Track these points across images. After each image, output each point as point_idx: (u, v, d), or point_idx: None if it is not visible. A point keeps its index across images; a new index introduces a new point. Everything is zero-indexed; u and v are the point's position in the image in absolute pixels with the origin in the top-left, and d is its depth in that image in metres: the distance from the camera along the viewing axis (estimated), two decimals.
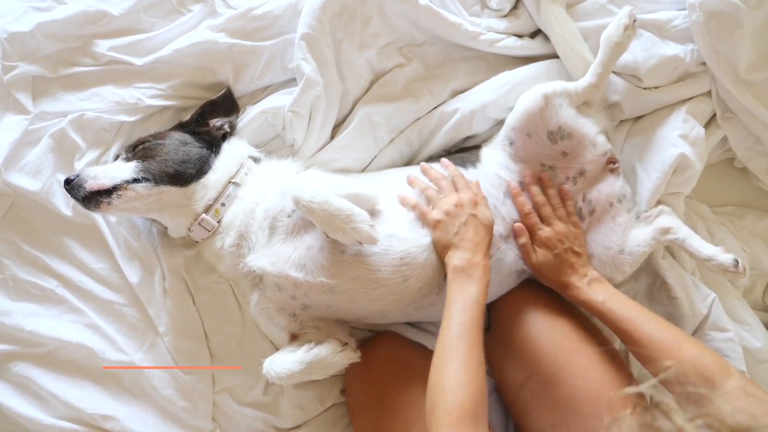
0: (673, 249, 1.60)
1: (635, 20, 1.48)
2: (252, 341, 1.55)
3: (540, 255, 1.43)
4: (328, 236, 1.28)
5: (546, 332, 1.40)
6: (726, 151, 1.64)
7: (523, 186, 1.49)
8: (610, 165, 1.49)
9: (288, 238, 1.32)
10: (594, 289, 1.37)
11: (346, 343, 1.34)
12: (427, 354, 1.51)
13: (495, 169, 1.49)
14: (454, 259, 1.27)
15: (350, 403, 1.51)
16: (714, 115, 1.58)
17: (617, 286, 1.56)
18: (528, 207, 1.45)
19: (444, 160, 1.47)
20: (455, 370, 1.10)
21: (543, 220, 1.45)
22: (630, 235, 1.48)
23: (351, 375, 1.46)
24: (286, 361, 1.29)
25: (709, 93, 1.56)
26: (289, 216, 1.33)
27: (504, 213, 1.45)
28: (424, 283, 1.35)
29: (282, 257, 1.31)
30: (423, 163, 1.47)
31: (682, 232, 1.47)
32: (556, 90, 1.44)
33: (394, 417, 1.35)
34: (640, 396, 0.88)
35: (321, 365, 1.28)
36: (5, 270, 1.50)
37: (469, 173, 1.48)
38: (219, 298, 1.55)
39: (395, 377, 1.41)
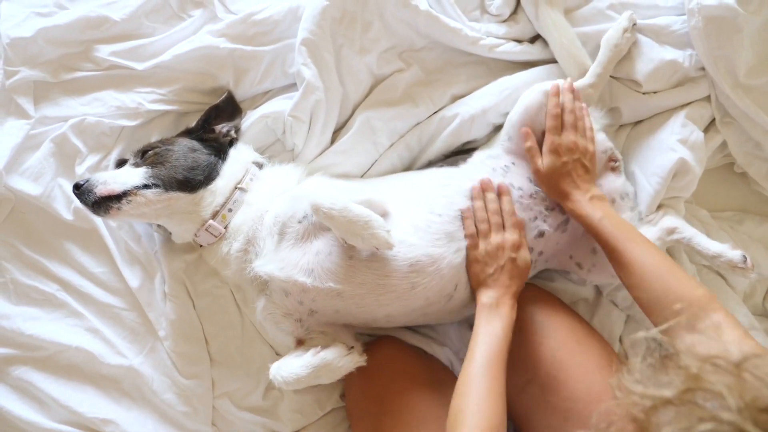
0: (672, 254, 1.60)
1: (635, 24, 1.50)
2: (252, 346, 1.55)
3: (546, 160, 1.42)
4: (337, 242, 1.29)
5: (545, 336, 1.41)
6: (725, 156, 1.64)
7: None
8: (611, 163, 1.50)
9: (297, 243, 1.33)
10: (594, 205, 1.36)
11: (352, 347, 1.34)
12: (426, 358, 1.53)
13: (481, 159, 1.50)
14: (484, 296, 1.32)
15: (349, 408, 1.50)
16: (713, 120, 1.58)
17: (618, 289, 1.58)
18: (558, 111, 1.43)
19: (502, 186, 1.43)
20: (477, 398, 1.14)
21: (563, 126, 1.43)
22: None
23: (350, 379, 1.43)
24: (292, 366, 1.28)
25: (708, 98, 1.56)
26: (299, 222, 1.33)
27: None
28: (432, 292, 1.36)
29: (290, 262, 1.32)
30: (484, 181, 1.43)
31: (688, 231, 1.49)
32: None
33: (394, 421, 1.35)
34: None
35: (328, 369, 1.28)
36: (6, 274, 1.50)
37: (460, 169, 1.49)
38: (219, 302, 1.55)
39: (395, 381, 1.41)
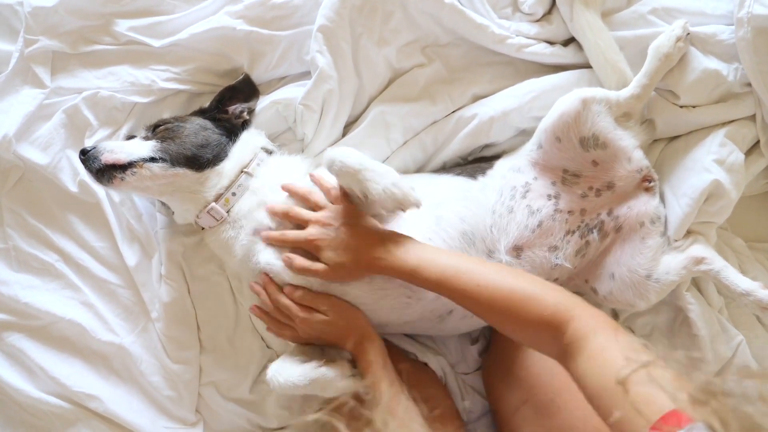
0: (700, 284, 1.47)
1: (689, 33, 1.38)
2: (243, 337, 1.52)
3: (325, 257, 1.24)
4: None
5: (544, 357, 1.32)
6: None
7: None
8: (646, 183, 1.39)
9: None
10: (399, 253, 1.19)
11: (355, 366, 1.27)
12: (417, 365, 1.47)
13: (502, 173, 1.40)
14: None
15: None
16: (757, 142, 1.44)
17: (638, 316, 1.47)
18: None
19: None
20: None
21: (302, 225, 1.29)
22: (660, 261, 1.37)
23: None
24: (291, 374, 1.24)
25: (753, 117, 1.42)
26: None
27: (507, 223, 1.36)
28: (426, 310, 1.31)
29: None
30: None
31: (718, 263, 1.36)
32: (596, 96, 1.34)
33: None
34: None
35: (324, 385, 1.23)
36: (9, 240, 1.51)
37: (478, 182, 1.40)
38: (215, 289, 1.52)
39: None
